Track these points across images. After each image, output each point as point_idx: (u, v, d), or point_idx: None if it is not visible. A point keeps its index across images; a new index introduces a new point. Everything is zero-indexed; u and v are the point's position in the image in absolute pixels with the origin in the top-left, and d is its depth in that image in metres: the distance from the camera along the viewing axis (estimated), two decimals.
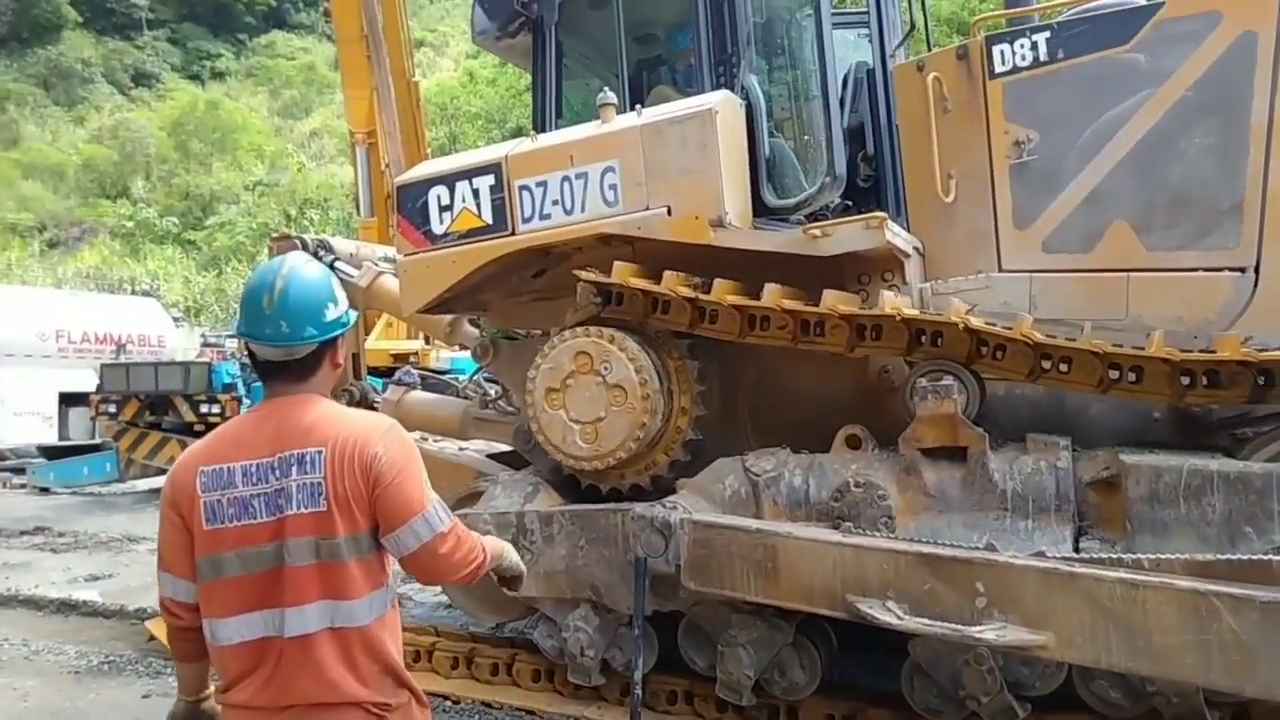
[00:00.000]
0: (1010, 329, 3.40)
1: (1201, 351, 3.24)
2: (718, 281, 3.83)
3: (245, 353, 2.21)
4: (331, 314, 2.10)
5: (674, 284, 3.87)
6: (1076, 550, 3.23)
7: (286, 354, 2.05)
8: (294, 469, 1.96)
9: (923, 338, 3.59)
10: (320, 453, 1.96)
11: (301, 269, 2.12)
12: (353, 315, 2.21)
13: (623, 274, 3.94)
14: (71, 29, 43.62)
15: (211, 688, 2.19)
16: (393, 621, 2.12)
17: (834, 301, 3.66)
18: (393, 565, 2.14)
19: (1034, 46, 3.89)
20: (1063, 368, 3.37)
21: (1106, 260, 3.78)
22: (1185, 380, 3.20)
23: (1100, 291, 3.74)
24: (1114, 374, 3.29)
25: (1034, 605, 2.95)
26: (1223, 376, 3.15)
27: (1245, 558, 2.88)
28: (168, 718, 2.23)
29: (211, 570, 1.98)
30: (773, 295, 3.72)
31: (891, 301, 3.61)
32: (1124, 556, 3.02)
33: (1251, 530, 3.05)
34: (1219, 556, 2.92)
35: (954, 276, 4.01)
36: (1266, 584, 2.74)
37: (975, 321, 3.48)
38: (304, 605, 1.93)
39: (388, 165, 13.35)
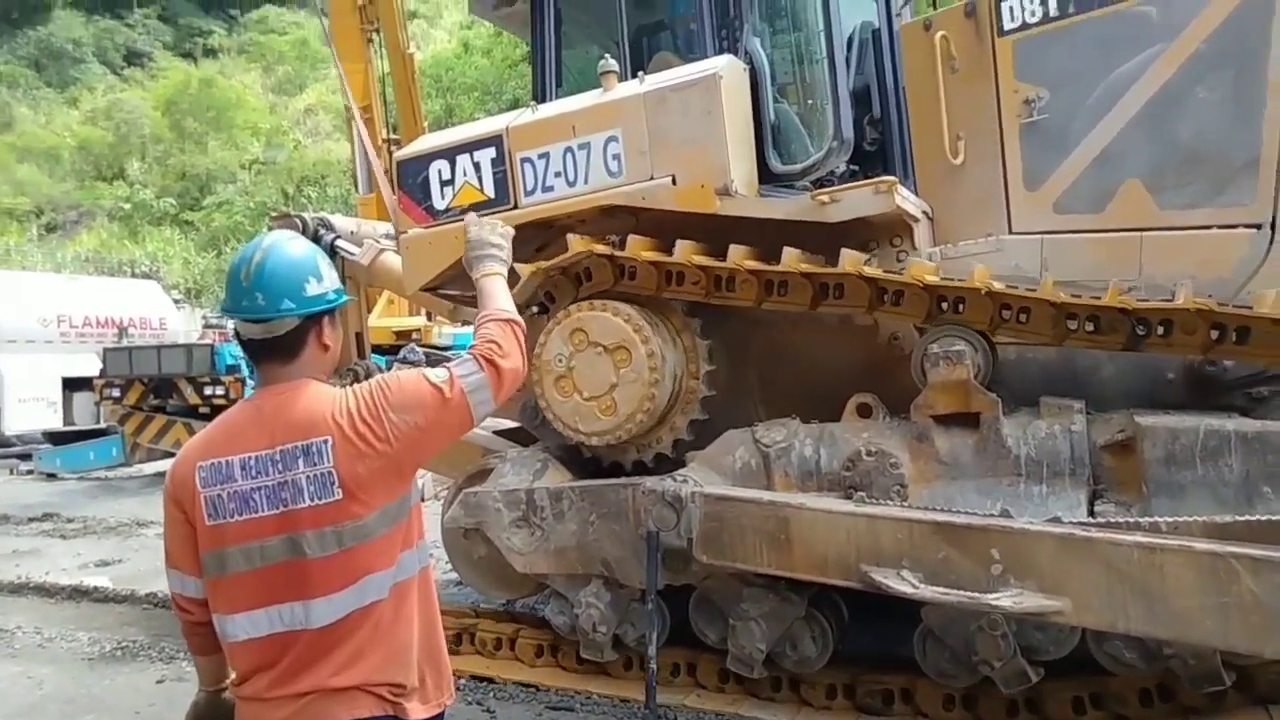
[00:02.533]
0: (1033, 291, 3.36)
1: (1236, 308, 3.19)
2: (733, 247, 3.78)
3: (234, 336, 2.13)
4: (313, 289, 2.01)
5: (689, 253, 3.81)
6: (1092, 514, 3.19)
7: (266, 330, 1.98)
8: (300, 461, 1.90)
9: (944, 303, 3.55)
10: (326, 441, 1.89)
11: (284, 243, 2.06)
12: (342, 295, 2.12)
13: (635, 248, 3.88)
14: (61, 8, 43.16)
15: (232, 676, 2.14)
16: (425, 586, 2.07)
17: (853, 264, 3.60)
18: (422, 524, 2.10)
19: (1044, 2, 3.80)
20: (1089, 327, 3.34)
21: (1119, 220, 3.71)
22: (1215, 335, 3.17)
23: (1113, 252, 3.67)
24: (1142, 330, 3.25)
25: (1050, 571, 2.92)
26: (1254, 333, 3.10)
27: (1264, 518, 2.84)
28: (190, 708, 2.20)
29: (217, 566, 1.94)
30: (791, 259, 3.67)
31: (915, 267, 3.56)
32: (1141, 520, 2.99)
33: (1270, 490, 3.02)
34: (1237, 518, 2.88)
35: (963, 240, 3.95)
36: None
37: (998, 286, 3.43)
38: (333, 594, 1.89)
39: (384, 140, 13.24)
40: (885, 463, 3.54)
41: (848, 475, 3.60)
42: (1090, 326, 3.35)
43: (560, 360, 3.99)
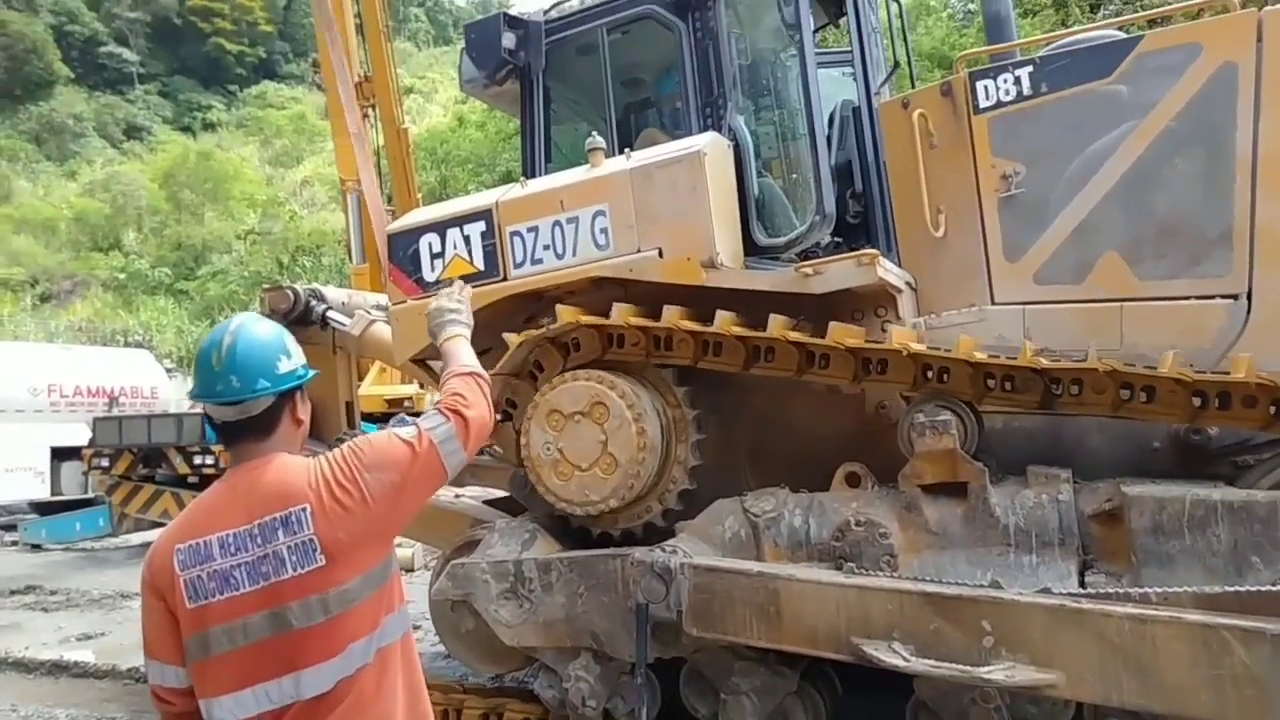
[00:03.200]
0: (1015, 359, 3.41)
1: (1215, 373, 3.24)
2: (720, 313, 3.82)
3: (206, 419, 2.15)
4: (285, 366, 2.07)
5: (676, 318, 3.86)
6: (1082, 585, 3.18)
7: (241, 412, 2.01)
8: (279, 532, 1.91)
9: (929, 372, 3.59)
10: (305, 509, 1.91)
11: (251, 324, 2.11)
12: (310, 371, 2.17)
13: (623, 314, 3.93)
14: (64, 85, 44.09)
15: None
16: (408, 653, 2.09)
17: (840, 334, 3.65)
18: (403, 589, 2.12)
19: (1017, 81, 3.92)
20: (1074, 390, 3.38)
21: (1099, 290, 3.78)
22: (1198, 401, 3.21)
23: (1094, 321, 3.73)
24: (1125, 394, 3.30)
25: (1042, 643, 2.91)
26: (1235, 399, 3.14)
27: (1254, 589, 2.84)
28: None
29: (200, 649, 1.92)
30: (777, 326, 3.72)
31: (899, 335, 3.61)
32: (1131, 591, 2.98)
33: (1258, 560, 3.02)
34: (1227, 588, 2.88)
35: (947, 310, 4.01)
36: (1276, 615, 2.71)
37: (980, 355, 3.48)
38: (321, 663, 1.90)
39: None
40: (874, 533, 3.53)
41: (837, 545, 3.59)
42: (1075, 390, 3.38)
43: (557, 414, 3.99)
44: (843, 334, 3.66)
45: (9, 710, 5.53)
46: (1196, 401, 3.25)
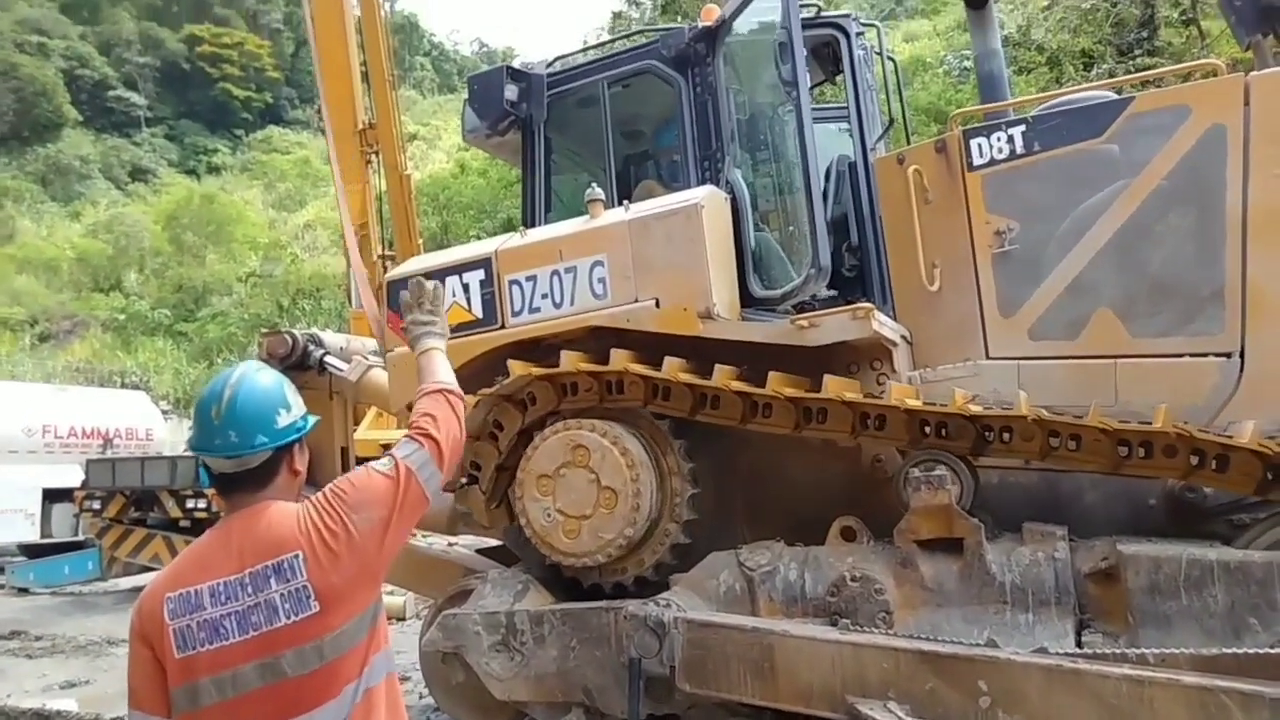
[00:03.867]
0: (1010, 409, 3.41)
1: (1216, 434, 3.25)
2: (718, 367, 3.83)
3: (203, 469, 2.15)
4: (284, 420, 2.08)
5: (675, 370, 3.87)
6: (1079, 644, 3.15)
7: (239, 465, 2.03)
8: (271, 580, 1.91)
9: (926, 427, 3.59)
10: (297, 556, 1.92)
11: (251, 376, 2.11)
12: (310, 420, 2.17)
13: (620, 360, 3.94)
14: (71, 127, 44.63)
15: None
16: (393, 693, 2.10)
17: (836, 388, 3.65)
18: (387, 628, 2.14)
19: (1010, 139, 3.98)
20: (1071, 445, 3.38)
21: (1092, 347, 3.79)
22: (1195, 460, 3.20)
23: (1088, 378, 3.74)
24: (1123, 450, 3.30)
25: (1039, 704, 2.86)
26: (1233, 462, 3.14)
27: (1252, 651, 2.81)
28: None
29: (188, 700, 1.90)
30: (775, 382, 3.72)
31: (897, 390, 3.61)
32: (1128, 651, 2.95)
33: (1255, 621, 2.99)
34: (1224, 650, 2.84)
35: (942, 364, 4.02)
36: (1274, 679, 2.67)
37: (975, 408, 3.48)
38: (315, 710, 1.91)
39: (380, 257, 13.53)
40: (870, 588, 3.50)
41: (832, 601, 3.55)
42: (1073, 445, 3.38)
43: (551, 461, 3.99)
44: (840, 388, 3.67)
45: None
46: (1194, 460, 3.25)
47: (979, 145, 4.04)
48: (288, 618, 1.89)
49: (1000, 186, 3.99)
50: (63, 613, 11.19)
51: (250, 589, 1.91)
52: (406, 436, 2.16)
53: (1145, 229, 3.75)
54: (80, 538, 14.39)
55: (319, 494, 2.05)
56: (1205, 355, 3.60)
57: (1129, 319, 3.74)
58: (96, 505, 10.97)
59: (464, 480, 4.40)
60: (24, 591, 12.72)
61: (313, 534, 1.94)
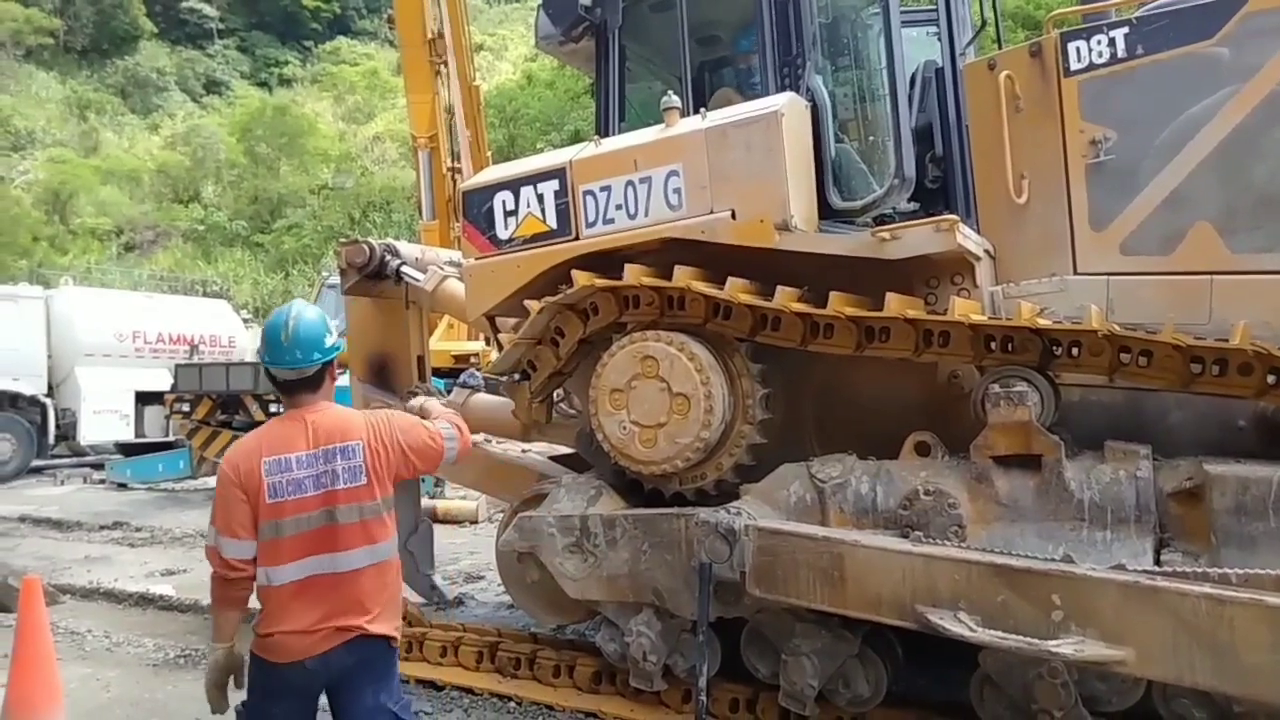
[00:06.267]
0: (1080, 323, 3.32)
1: None
2: (780, 288, 3.80)
3: (267, 375, 2.95)
4: (329, 341, 2.90)
5: (736, 290, 3.84)
6: (1157, 563, 3.12)
7: (299, 374, 2.85)
8: (338, 458, 2.76)
9: (992, 343, 3.52)
10: (359, 444, 2.80)
11: (305, 312, 2.92)
12: (343, 342, 3.04)
13: (684, 278, 3.93)
14: (147, 39, 45.11)
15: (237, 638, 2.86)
16: (397, 560, 2.94)
17: (899, 306, 3.59)
18: (394, 528, 2.93)
19: (1111, 43, 3.77)
20: (1142, 361, 3.28)
21: (1188, 263, 3.64)
22: (1272, 379, 3.10)
23: (1181, 295, 3.61)
24: (1196, 368, 3.19)
25: (1113, 620, 2.86)
26: None
27: None
28: (210, 664, 2.84)
29: (272, 531, 2.71)
30: (836, 301, 3.68)
31: (961, 306, 3.54)
32: (1210, 571, 2.91)
33: None
34: None
35: (1026, 279, 3.91)
36: None
37: (1043, 322, 3.40)
38: (352, 550, 2.75)
39: (448, 169, 13.56)
40: (943, 502, 3.50)
41: (904, 514, 3.57)
42: (1143, 361, 3.29)
43: (623, 374, 4.03)
44: (902, 305, 3.61)
45: (102, 636, 5.85)
46: (1271, 379, 3.12)
47: (1077, 49, 3.83)
48: (345, 483, 2.75)
49: (1098, 93, 3.79)
50: (159, 507, 11.87)
51: (322, 460, 2.75)
52: (450, 424, 3.17)
53: (1253, 139, 3.55)
54: (171, 438, 15.17)
55: (379, 413, 3.00)
56: None
57: (1229, 234, 3.57)
58: (185, 408, 11.51)
59: (517, 376, 4.55)
60: (122, 487, 13.50)
61: (371, 434, 2.83)
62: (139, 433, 16.27)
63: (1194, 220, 3.63)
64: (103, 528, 10.15)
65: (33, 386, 15.55)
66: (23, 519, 10.86)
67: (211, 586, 2.82)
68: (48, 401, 15.64)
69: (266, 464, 2.71)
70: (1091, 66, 3.81)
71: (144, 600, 6.75)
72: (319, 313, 2.94)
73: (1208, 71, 3.61)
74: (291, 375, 2.83)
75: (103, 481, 14.20)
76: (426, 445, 2.97)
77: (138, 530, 9.94)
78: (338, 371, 3.01)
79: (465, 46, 13.70)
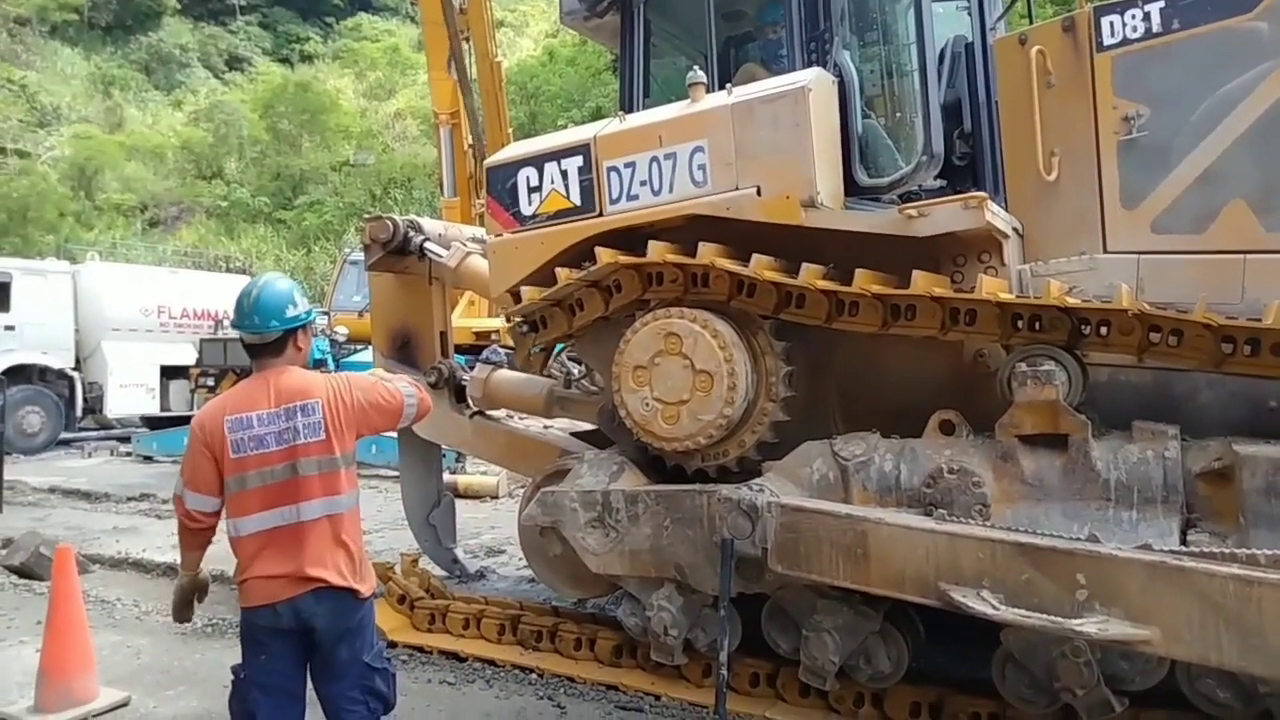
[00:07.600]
0: (1109, 303, 3.29)
1: None
2: (805, 265, 3.78)
3: (240, 340, 3.13)
4: (291, 312, 3.02)
5: (761, 267, 3.82)
6: (1185, 544, 3.10)
7: (260, 338, 2.99)
8: (299, 415, 2.91)
9: (1019, 321, 3.49)
10: (317, 403, 2.93)
11: (273, 281, 3.11)
12: (314, 314, 3.17)
13: (708, 255, 3.92)
14: (170, 15, 45.19)
15: (206, 567, 3.16)
16: (357, 516, 3.06)
17: (925, 284, 3.57)
18: (356, 481, 3.09)
19: (1146, 17, 3.70)
20: (1172, 340, 3.25)
21: (1221, 241, 3.59)
22: None
23: (1214, 274, 3.56)
24: (1227, 348, 3.16)
25: (1138, 599, 2.85)
26: None
27: None
28: (177, 587, 3.15)
29: (238, 485, 2.88)
30: (862, 279, 3.66)
31: (988, 284, 3.52)
32: (1237, 551, 2.89)
33: None
34: None
35: (1055, 258, 3.87)
36: None
37: (1072, 300, 3.37)
38: (311, 500, 2.88)
39: (470, 146, 13.54)
40: (967, 481, 3.49)
41: (928, 492, 3.57)
42: (1173, 340, 3.26)
43: (646, 351, 4.04)
44: (928, 283, 3.58)
45: (131, 605, 5.98)
46: None
47: (1111, 23, 3.77)
48: (305, 438, 2.89)
49: (1132, 68, 3.74)
50: None
51: (283, 418, 2.90)
52: (410, 384, 3.27)
53: None
54: (195, 411, 15.32)
55: (341, 375, 3.15)
56: None
57: (1265, 212, 3.52)
58: (210, 382, 11.66)
59: (525, 328, 4.60)
60: (148, 459, 13.68)
61: (330, 393, 2.96)
62: (164, 406, 16.47)
63: (1228, 199, 3.58)
64: (130, 499, 10.31)
65: (61, 360, 15.76)
66: (52, 490, 11.04)
67: (178, 528, 3.10)
68: (75, 375, 15.86)
69: (229, 422, 2.88)
70: (1125, 41, 3.75)
71: (171, 570, 6.81)
72: (289, 285, 3.11)
73: (1245, 46, 3.55)
74: (255, 339, 2.99)
75: (129, 454, 14.40)
76: (384, 401, 3.09)
77: (164, 502, 10.05)
78: (310, 340, 3.18)
79: (487, 22, 13.64)
